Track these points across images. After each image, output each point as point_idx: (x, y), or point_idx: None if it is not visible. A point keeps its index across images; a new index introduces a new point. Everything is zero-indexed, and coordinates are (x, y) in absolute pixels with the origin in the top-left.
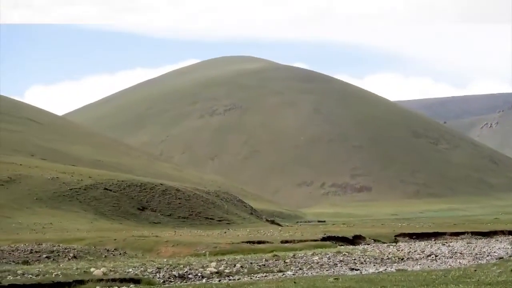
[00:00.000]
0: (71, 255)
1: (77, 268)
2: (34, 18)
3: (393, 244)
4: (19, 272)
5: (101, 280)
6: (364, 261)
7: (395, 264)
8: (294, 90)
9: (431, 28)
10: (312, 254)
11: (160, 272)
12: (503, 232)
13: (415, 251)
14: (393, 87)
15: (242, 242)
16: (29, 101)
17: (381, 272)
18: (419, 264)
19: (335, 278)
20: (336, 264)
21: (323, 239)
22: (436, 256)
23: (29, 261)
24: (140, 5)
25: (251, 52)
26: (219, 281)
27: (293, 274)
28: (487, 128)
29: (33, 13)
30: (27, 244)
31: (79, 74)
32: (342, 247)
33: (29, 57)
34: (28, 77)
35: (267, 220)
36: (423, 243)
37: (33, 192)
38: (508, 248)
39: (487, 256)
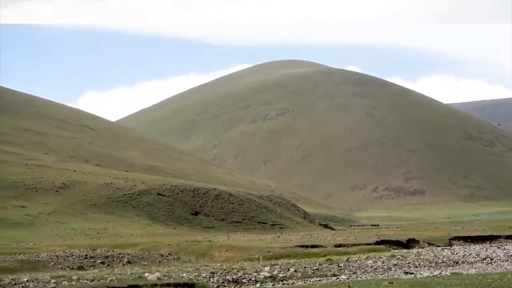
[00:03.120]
0: (126, 260)
1: (131, 273)
2: (90, 23)
3: (447, 247)
4: (74, 277)
5: (156, 285)
6: (419, 264)
7: (450, 267)
8: (346, 94)
9: (484, 29)
10: (366, 258)
11: (214, 277)
12: None
13: (470, 255)
14: (446, 89)
15: (296, 246)
16: (82, 107)
17: (436, 275)
18: (474, 268)
19: (390, 282)
20: (390, 268)
21: (377, 243)
22: (491, 259)
23: (84, 266)
24: (192, 12)
25: (303, 56)
26: (273, 285)
27: (347, 278)
28: None
29: (98, 18)
30: (81, 250)
31: (132, 80)
32: (396, 250)
33: (82, 63)
34: (81, 84)
35: (320, 224)
36: (478, 246)
37: (87, 198)
38: None
39: None
